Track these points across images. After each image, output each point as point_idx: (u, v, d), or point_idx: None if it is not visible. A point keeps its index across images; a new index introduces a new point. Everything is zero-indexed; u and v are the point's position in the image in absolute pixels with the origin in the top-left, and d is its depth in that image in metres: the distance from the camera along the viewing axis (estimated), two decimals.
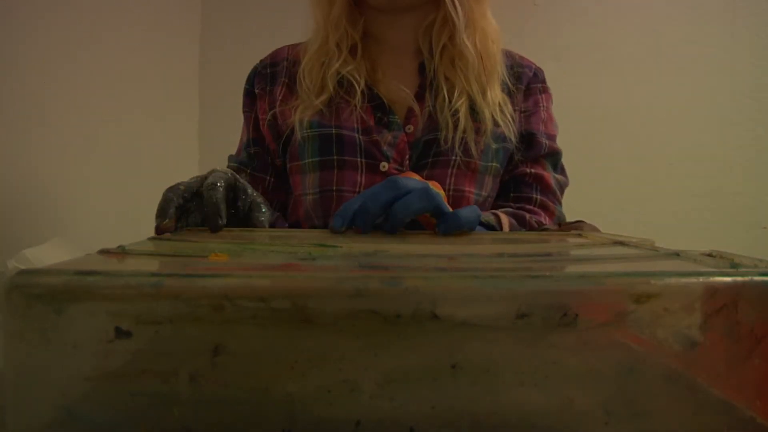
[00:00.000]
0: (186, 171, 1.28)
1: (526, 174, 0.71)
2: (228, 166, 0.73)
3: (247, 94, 0.73)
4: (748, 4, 1.29)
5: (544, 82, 0.75)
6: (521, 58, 0.75)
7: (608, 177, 1.33)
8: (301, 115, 0.66)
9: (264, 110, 0.71)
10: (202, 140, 1.33)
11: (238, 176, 0.52)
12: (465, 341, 0.20)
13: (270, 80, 0.71)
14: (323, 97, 0.65)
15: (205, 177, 0.49)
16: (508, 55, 0.73)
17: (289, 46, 0.74)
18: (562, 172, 0.74)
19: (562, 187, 0.74)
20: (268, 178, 0.72)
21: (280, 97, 0.69)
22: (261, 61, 0.74)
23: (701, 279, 0.22)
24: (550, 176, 0.72)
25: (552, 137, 0.73)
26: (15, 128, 0.77)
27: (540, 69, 0.75)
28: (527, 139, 0.71)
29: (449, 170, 0.65)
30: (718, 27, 1.30)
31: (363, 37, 0.69)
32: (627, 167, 1.33)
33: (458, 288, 0.21)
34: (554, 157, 0.73)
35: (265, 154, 0.71)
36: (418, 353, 0.20)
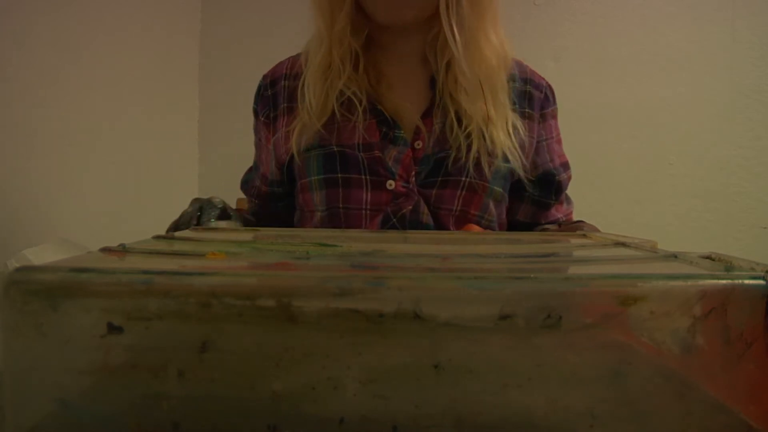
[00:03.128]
0: (186, 171, 1.29)
1: (560, 222, 0.72)
2: (248, 203, 0.78)
3: (256, 115, 0.73)
4: (748, 4, 1.29)
5: (554, 102, 0.72)
6: (532, 73, 0.72)
7: (608, 177, 1.33)
8: (299, 137, 0.65)
9: (269, 134, 0.70)
10: (201, 140, 1.34)
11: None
12: (448, 341, 0.21)
13: (272, 106, 0.70)
14: (324, 119, 0.64)
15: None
16: (519, 67, 0.71)
17: (290, 58, 0.72)
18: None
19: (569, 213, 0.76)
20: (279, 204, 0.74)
21: (282, 128, 0.68)
22: (264, 77, 0.72)
23: (689, 282, 0.22)
24: (572, 213, 0.73)
25: (567, 166, 0.73)
26: (15, 128, 0.78)
27: (550, 87, 0.72)
28: (547, 179, 0.70)
29: (458, 191, 0.63)
30: (718, 27, 1.30)
31: (367, 44, 0.66)
32: (627, 167, 1.33)
33: (440, 288, 0.21)
34: (564, 186, 0.74)
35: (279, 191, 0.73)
36: (401, 353, 0.21)
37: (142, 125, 1.10)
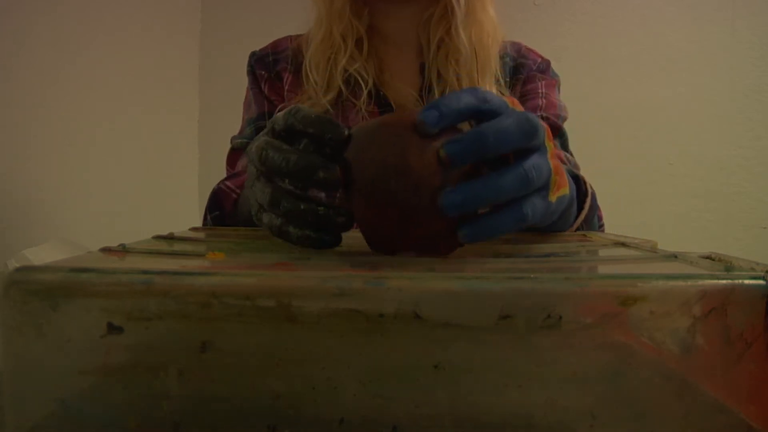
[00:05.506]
0: (186, 171, 1.29)
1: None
2: (233, 146, 0.71)
3: (251, 73, 0.72)
4: (748, 4, 1.29)
5: (545, 71, 0.71)
6: (528, 50, 0.73)
7: (608, 177, 1.32)
8: None
9: (272, 92, 0.69)
10: (201, 140, 1.34)
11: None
12: (447, 342, 0.21)
13: (273, 66, 0.70)
14: (330, 96, 0.63)
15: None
16: (515, 48, 0.72)
17: (290, 36, 0.73)
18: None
19: (575, 166, 0.68)
20: None
21: (287, 85, 0.68)
22: (260, 49, 0.72)
23: (689, 282, 0.22)
24: (559, 150, 0.67)
25: (554, 116, 0.68)
26: (15, 128, 0.78)
27: (546, 61, 0.73)
28: None
29: None
30: (718, 27, 1.30)
31: (368, 31, 0.67)
32: (627, 167, 1.33)
33: (440, 289, 0.21)
34: (560, 137, 0.69)
35: None
36: (400, 353, 0.21)
37: (142, 125, 1.10)
